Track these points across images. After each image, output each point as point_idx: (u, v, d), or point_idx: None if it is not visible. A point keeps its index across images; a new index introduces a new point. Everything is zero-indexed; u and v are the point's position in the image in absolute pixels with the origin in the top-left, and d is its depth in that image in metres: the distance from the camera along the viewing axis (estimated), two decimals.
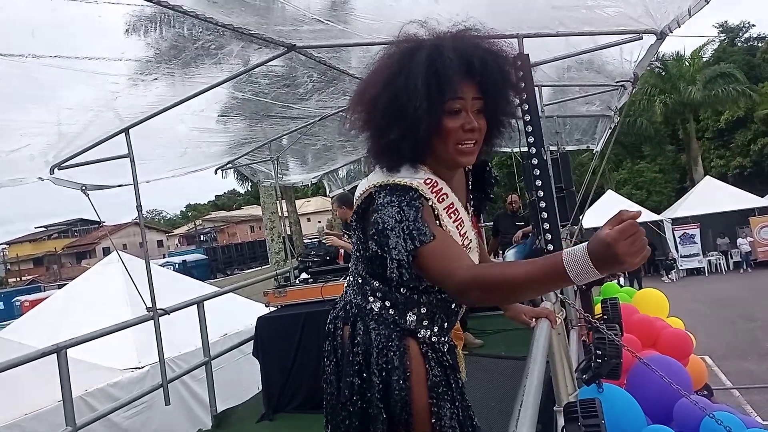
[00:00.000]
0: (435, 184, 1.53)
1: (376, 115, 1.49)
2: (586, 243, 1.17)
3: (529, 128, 3.08)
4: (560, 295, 2.53)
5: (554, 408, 2.33)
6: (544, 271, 1.21)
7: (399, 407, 1.53)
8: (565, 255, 1.17)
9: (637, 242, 1.11)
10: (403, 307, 1.59)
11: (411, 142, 1.47)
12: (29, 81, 2.67)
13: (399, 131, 1.46)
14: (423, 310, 1.59)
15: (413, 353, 1.57)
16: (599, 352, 2.60)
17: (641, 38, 3.06)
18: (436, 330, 1.62)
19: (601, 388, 3.00)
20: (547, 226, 3.10)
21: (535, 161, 3.11)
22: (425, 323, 1.60)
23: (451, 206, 1.57)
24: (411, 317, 1.59)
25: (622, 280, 18.06)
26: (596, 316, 3.72)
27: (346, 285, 1.75)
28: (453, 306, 1.65)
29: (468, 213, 1.68)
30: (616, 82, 4.08)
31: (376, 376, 1.53)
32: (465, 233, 1.59)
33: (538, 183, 3.11)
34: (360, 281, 1.65)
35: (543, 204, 3.11)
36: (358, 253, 1.65)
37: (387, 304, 1.59)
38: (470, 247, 1.62)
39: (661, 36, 2.98)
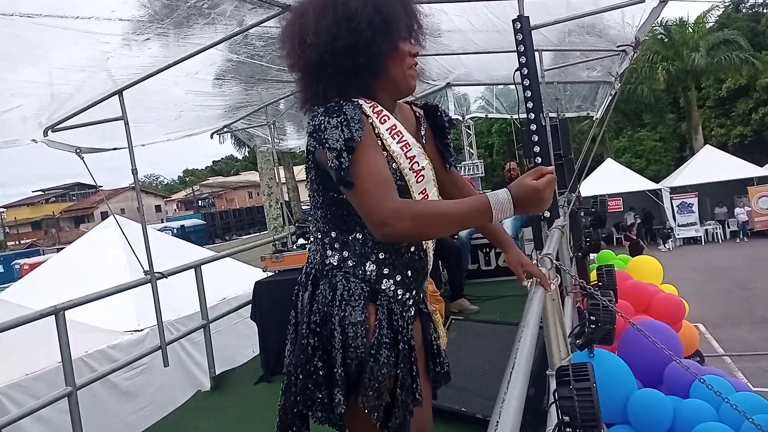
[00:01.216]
0: (375, 106, 1.53)
1: (351, 41, 1.45)
2: (508, 188, 1.36)
3: (528, 93, 3.04)
4: (556, 262, 2.52)
5: (547, 372, 2.35)
6: (474, 208, 1.36)
7: (355, 367, 1.46)
8: (491, 197, 1.34)
9: (551, 192, 1.36)
10: (360, 253, 1.52)
11: (371, 63, 1.48)
12: (19, 40, 2.62)
13: (379, 51, 1.47)
14: (381, 255, 1.52)
15: (370, 310, 1.50)
16: (593, 317, 2.61)
17: (644, 1, 3.00)
18: (399, 279, 1.55)
19: (592, 353, 3.03)
20: None
21: (533, 127, 3.08)
22: (386, 271, 1.53)
23: (394, 127, 1.54)
24: (371, 267, 1.52)
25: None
26: (591, 283, 3.74)
27: (307, 252, 1.70)
28: (412, 249, 1.57)
29: (422, 149, 1.62)
30: (618, 46, 4.02)
31: (336, 333, 1.47)
32: (413, 157, 1.55)
33: (537, 149, 3.08)
34: (319, 236, 1.59)
35: None
36: (314, 202, 1.59)
37: (345, 254, 1.53)
38: (423, 176, 1.56)
39: (664, 0, 2.92)
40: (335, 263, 1.53)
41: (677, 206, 22.62)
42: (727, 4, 35.06)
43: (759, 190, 21.84)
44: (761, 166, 22.97)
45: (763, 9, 36.54)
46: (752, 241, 21.18)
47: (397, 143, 1.52)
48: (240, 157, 59.31)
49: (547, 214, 3.25)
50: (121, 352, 5.72)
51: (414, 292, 1.60)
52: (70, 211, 51.97)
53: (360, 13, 1.44)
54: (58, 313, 3.33)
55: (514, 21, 2.91)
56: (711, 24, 31.03)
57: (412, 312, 1.60)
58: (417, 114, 1.71)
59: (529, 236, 6.46)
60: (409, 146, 1.55)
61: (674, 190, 23.03)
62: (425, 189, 1.58)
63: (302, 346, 1.51)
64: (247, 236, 31.89)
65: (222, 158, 76.99)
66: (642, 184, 23.73)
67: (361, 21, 1.44)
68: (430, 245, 1.64)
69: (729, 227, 22.90)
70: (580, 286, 3.40)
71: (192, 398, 4.52)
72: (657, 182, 24.60)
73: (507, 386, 1.21)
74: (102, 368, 5.23)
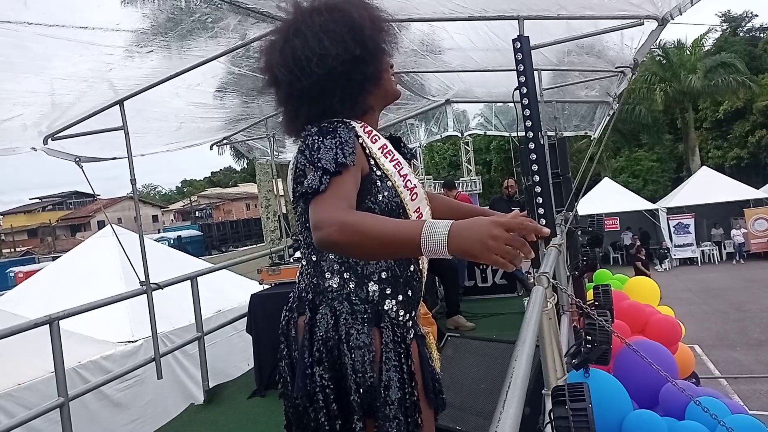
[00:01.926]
0: (365, 126, 1.54)
1: (348, 51, 1.45)
2: (455, 224, 1.16)
3: (527, 112, 3.06)
4: (553, 281, 2.53)
5: (543, 391, 2.34)
6: (403, 231, 1.19)
7: (364, 394, 1.42)
8: (427, 224, 1.16)
9: (514, 245, 1.11)
10: (361, 274, 1.48)
11: (375, 73, 1.53)
12: (22, 50, 2.63)
13: (355, 71, 1.48)
14: (383, 275, 1.49)
15: (375, 333, 1.46)
16: (589, 337, 2.61)
17: (642, 24, 3.03)
18: (400, 300, 1.51)
19: (587, 372, 3.02)
20: (541, 211, 3.09)
21: (532, 146, 3.09)
22: (388, 291, 1.49)
23: (386, 146, 1.54)
24: (373, 287, 1.48)
25: None
26: (588, 302, 3.74)
27: (298, 275, 1.62)
28: (411, 267, 1.54)
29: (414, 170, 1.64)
30: (616, 68, 4.06)
31: (348, 358, 1.42)
32: (406, 175, 1.54)
33: (534, 168, 3.09)
34: (313, 258, 1.53)
35: (538, 189, 3.10)
36: (305, 222, 1.47)
37: (346, 276, 1.48)
38: (417, 194, 1.55)
39: (663, 22, 2.95)
40: (335, 285, 1.49)
41: (674, 227, 22.68)
42: (724, 27, 35.48)
43: (755, 212, 21.93)
44: (758, 188, 23.10)
45: (760, 33, 36.99)
46: (748, 263, 21.22)
47: (390, 162, 1.52)
48: (238, 168, 59.51)
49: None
50: (114, 363, 5.68)
51: (413, 313, 1.57)
52: (67, 220, 51.86)
53: (362, 26, 1.47)
54: (52, 322, 3.31)
55: (514, 41, 2.94)
56: (709, 47, 31.38)
57: (411, 334, 1.56)
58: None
59: None
60: (401, 164, 1.55)
61: (671, 211, 23.11)
62: (419, 207, 1.57)
63: (307, 377, 1.44)
64: (244, 248, 31.81)
65: (220, 169, 77.18)
66: (639, 204, 23.81)
67: (365, 34, 1.47)
68: (425, 266, 1.61)
69: (725, 249, 22.96)
70: (577, 305, 3.40)
71: (185, 411, 4.48)
72: (654, 202, 24.70)
73: (503, 405, 1.20)
74: (95, 379, 5.19)
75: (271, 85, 1.57)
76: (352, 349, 1.43)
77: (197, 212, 53.55)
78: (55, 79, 3.01)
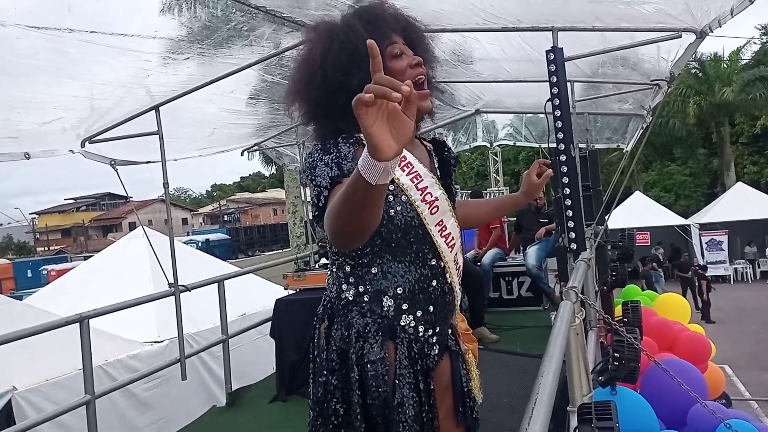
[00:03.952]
0: None
1: (328, 89, 1.45)
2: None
3: (559, 124, 3.04)
4: (581, 295, 2.49)
5: (568, 408, 2.30)
6: (351, 179, 1.11)
7: (377, 408, 1.40)
8: (360, 166, 1.06)
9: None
10: (377, 288, 1.46)
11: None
12: (64, 55, 2.71)
13: (357, 87, 1.36)
14: (399, 291, 1.46)
15: (389, 347, 1.44)
16: (617, 354, 2.56)
17: (680, 36, 2.98)
18: (419, 315, 1.47)
19: (614, 390, 2.97)
20: (571, 224, 3.06)
21: (563, 158, 3.07)
22: (405, 307, 1.46)
23: (404, 158, 1.50)
24: (388, 302, 1.45)
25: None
26: (616, 318, 3.67)
27: (326, 282, 1.62)
28: (434, 283, 1.49)
29: (436, 179, 1.56)
30: (651, 80, 3.99)
31: (354, 372, 1.41)
32: (425, 188, 1.50)
33: (565, 180, 3.07)
34: (335, 269, 1.54)
35: (569, 202, 3.07)
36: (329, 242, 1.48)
37: (360, 289, 1.47)
38: (438, 206, 1.51)
39: (701, 35, 2.90)
40: (351, 298, 1.48)
41: (706, 243, 22.15)
42: (764, 40, 34.69)
43: None
44: None
45: None
46: None
47: (406, 175, 1.49)
48: (267, 174, 60.21)
49: (574, 245, 3.22)
50: (140, 362, 5.77)
51: (438, 329, 1.52)
52: (100, 220, 53.07)
53: (324, 59, 1.46)
54: (82, 321, 3.39)
55: (547, 52, 2.93)
56: (747, 60, 30.69)
57: (436, 350, 1.52)
58: (427, 147, 1.68)
59: (553, 266, 6.40)
60: (420, 177, 1.51)
61: (704, 227, 22.57)
62: (442, 220, 1.53)
63: (321, 384, 1.47)
64: (271, 252, 32.11)
65: (249, 174, 78.11)
66: (670, 219, 23.33)
67: (327, 65, 1.45)
68: (455, 279, 1.56)
69: (759, 267, 22.33)
70: (605, 321, 3.34)
71: (207, 413, 4.53)
72: (686, 218, 24.16)
73: (528, 422, 1.19)
74: (121, 377, 5.29)
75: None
76: (365, 363, 1.42)
77: (226, 216, 54.26)
78: (95, 84, 3.09)
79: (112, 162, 4.15)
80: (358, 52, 1.42)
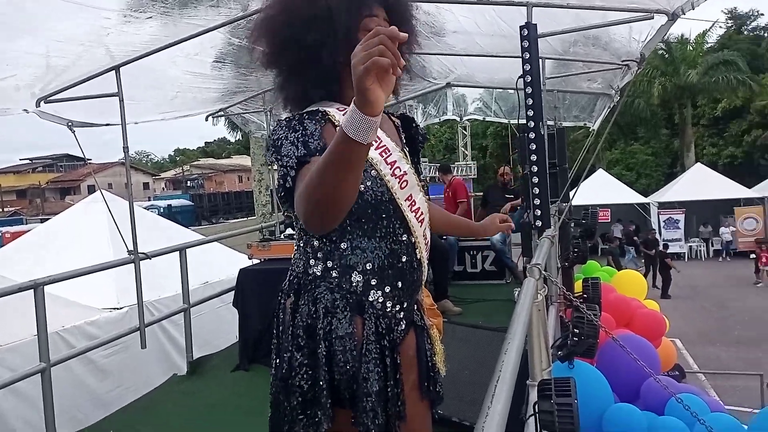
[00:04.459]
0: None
1: (287, 35, 1.42)
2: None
3: (530, 101, 3.03)
4: (544, 272, 2.52)
5: (528, 382, 2.35)
6: (334, 142, 1.08)
7: (345, 382, 1.40)
8: (343, 127, 1.06)
9: (372, 46, 0.99)
10: (345, 264, 1.43)
11: (326, 61, 1.41)
12: (17, 10, 2.56)
13: (313, 44, 1.40)
14: (368, 266, 1.44)
15: (357, 322, 1.43)
16: (576, 330, 2.62)
17: (652, 18, 2.99)
18: (388, 291, 1.46)
19: (572, 364, 3.04)
20: (537, 201, 3.08)
21: (532, 135, 3.07)
22: (374, 282, 1.44)
23: None
24: (356, 277, 1.43)
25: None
26: (576, 294, 3.75)
27: (293, 257, 1.58)
28: (404, 258, 1.48)
29: (404, 155, 1.55)
30: (622, 61, 4.01)
31: (322, 347, 1.40)
32: (394, 162, 1.47)
33: (533, 158, 3.07)
34: (301, 244, 1.51)
35: (536, 180, 3.09)
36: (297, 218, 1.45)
37: (329, 264, 1.44)
38: (407, 181, 1.49)
39: (673, 17, 2.91)
40: (318, 273, 1.46)
41: (664, 221, 22.81)
42: (729, 25, 35.33)
43: (745, 212, 22.08)
44: (749, 188, 23.21)
45: (764, 32, 36.86)
46: (734, 261, 21.41)
47: (374, 149, 1.45)
48: (233, 140, 59.08)
49: (539, 222, 3.25)
50: (99, 329, 5.66)
51: (405, 304, 1.52)
52: (57, 182, 51.45)
53: (293, 4, 1.42)
54: (37, 287, 3.28)
55: (521, 27, 2.90)
56: (712, 44, 31.27)
57: (403, 325, 1.51)
58: (395, 123, 1.64)
59: (517, 240, 6.49)
60: (389, 151, 1.48)
61: (662, 206, 23.22)
62: (411, 195, 1.51)
63: (285, 360, 1.45)
64: (235, 220, 31.74)
65: (214, 140, 76.63)
66: (631, 196, 23.90)
67: (293, 13, 1.42)
68: (424, 254, 1.55)
69: (713, 246, 23.15)
70: (565, 297, 3.41)
71: (167, 381, 4.49)
72: (646, 196, 24.78)
73: (491, 400, 1.19)
74: (78, 344, 5.18)
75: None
76: (333, 339, 1.41)
77: (189, 182, 53.27)
78: (51, 41, 2.93)
79: (69, 123, 3.99)
80: (327, 10, 1.40)
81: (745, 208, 22.19)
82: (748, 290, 17.91)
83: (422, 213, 1.54)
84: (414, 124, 1.69)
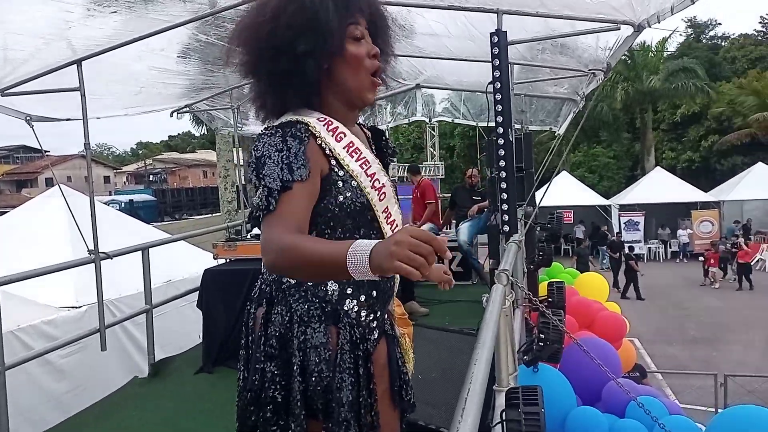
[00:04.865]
0: (330, 123, 1.44)
1: (273, 43, 1.38)
2: (369, 249, 1.11)
3: (499, 107, 3.06)
4: (511, 278, 2.55)
5: (494, 387, 2.36)
6: (331, 253, 1.15)
7: (319, 393, 1.38)
8: (353, 247, 1.11)
9: (418, 252, 1.05)
10: None
11: (311, 70, 1.39)
12: None
13: (302, 53, 1.37)
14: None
15: (332, 332, 1.42)
16: (542, 335, 2.65)
17: (619, 29, 3.05)
18: (363, 300, 1.46)
19: (536, 368, 3.08)
20: (505, 207, 3.11)
21: (501, 141, 3.10)
22: (349, 291, 1.44)
23: (352, 144, 1.45)
24: (332, 286, 1.43)
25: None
26: (541, 297, 3.80)
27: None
28: None
29: (383, 168, 1.55)
30: (589, 69, 4.09)
31: (296, 357, 1.38)
32: (374, 174, 1.47)
33: (502, 163, 3.10)
34: None
35: (504, 185, 3.11)
36: None
37: None
38: (385, 193, 1.48)
39: (638, 29, 2.98)
40: (293, 282, 1.44)
41: (624, 223, 23.40)
42: (689, 33, 36.37)
43: (702, 215, 22.81)
44: (706, 192, 23.98)
45: (721, 41, 38.09)
46: (690, 263, 22.07)
47: (355, 161, 1.45)
48: (197, 134, 58.16)
49: (506, 227, 3.28)
50: (56, 328, 5.49)
51: (378, 314, 1.52)
52: (13, 174, 49.74)
53: (276, 13, 1.38)
54: None
55: (491, 35, 2.92)
56: (672, 50, 32.15)
57: (376, 335, 1.51)
58: (367, 135, 1.64)
59: (483, 240, 6.55)
60: (369, 163, 1.48)
61: (623, 208, 23.81)
62: (387, 207, 1.50)
63: (257, 371, 1.41)
64: (199, 216, 31.24)
65: (179, 134, 75.32)
66: (593, 198, 24.42)
67: (278, 21, 1.37)
68: None
69: (670, 247, 23.84)
70: (530, 300, 3.45)
71: (128, 384, 4.39)
72: (607, 198, 25.36)
73: (461, 414, 1.20)
74: (35, 344, 5.02)
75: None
76: (307, 349, 1.39)
77: (151, 176, 52.18)
78: (9, 33, 2.82)
79: (28, 117, 3.86)
80: (317, 19, 1.37)
81: (702, 211, 22.92)
82: (703, 291, 18.51)
83: (397, 225, 1.54)
84: (384, 138, 1.68)
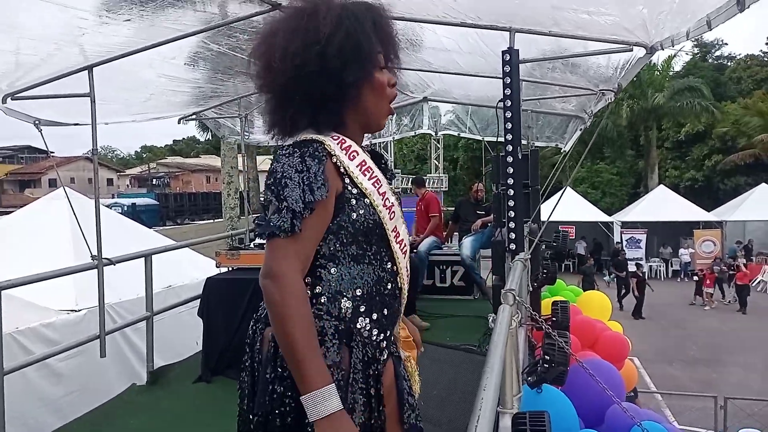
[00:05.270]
0: (343, 141, 1.46)
1: (322, 67, 1.38)
2: (338, 415, 1.26)
3: (509, 125, 3.05)
4: (518, 298, 2.53)
5: (498, 408, 2.34)
6: (310, 368, 1.27)
7: None
8: (320, 392, 1.26)
9: None
10: (335, 290, 1.42)
11: (351, 97, 1.44)
12: None
13: (349, 82, 1.40)
14: (358, 292, 1.42)
15: (344, 351, 1.41)
16: (548, 357, 2.63)
17: (632, 50, 3.04)
18: (375, 318, 1.45)
19: (540, 389, 3.05)
20: (512, 225, 3.09)
21: (509, 159, 3.09)
22: (362, 309, 1.43)
23: (364, 163, 1.47)
24: (346, 303, 1.42)
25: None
26: (544, 316, 3.78)
27: None
28: (389, 286, 1.48)
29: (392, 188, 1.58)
30: (599, 89, 4.08)
31: None
32: (385, 193, 1.48)
33: (510, 181, 3.09)
34: None
35: (511, 202, 3.10)
36: None
37: (317, 290, 1.41)
38: (394, 212, 1.50)
39: (651, 51, 2.97)
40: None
41: (626, 240, 23.32)
42: (695, 52, 36.49)
43: (704, 234, 22.75)
44: (708, 211, 23.93)
45: (727, 61, 38.20)
46: (692, 283, 21.98)
47: (368, 179, 1.46)
48: (202, 139, 58.26)
49: (513, 245, 3.27)
50: (55, 331, 5.45)
51: (388, 333, 1.51)
52: (17, 174, 49.83)
53: (329, 39, 1.38)
54: None
55: (503, 52, 2.91)
56: (678, 69, 32.22)
57: (385, 355, 1.50)
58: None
59: (485, 253, 6.52)
60: (380, 182, 1.49)
61: (625, 225, 23.76)
62: (396, 226, 1.51)
63: (266, 393, 1.38)
64: (202, 222, 31.20)
65: (183, 139, 75.51)
66: (595, 215, 24.39)
67: (330, 47, 1.38)
68: (405, 285, 1.54)
69: (672, 266, 23.76)
70: (535, 320, 3.42)
71: (126, 391, 4.36)
72: (609, 214, 25.31)
73: None
74: (34, 347, 4.99)
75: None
76: None
77: (155, 180, 52.26)
78: (23, 38, 2.83)
79: (37, 122, 3.86)
80: (361, 49, 1.40)
81: (704, 230, 22.87)
82: (704, 311, 18.43)
83: (405, 245, 1.54)
84: (383, 161, 1.67)
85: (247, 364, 1.49)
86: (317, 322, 1.40)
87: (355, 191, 1.43)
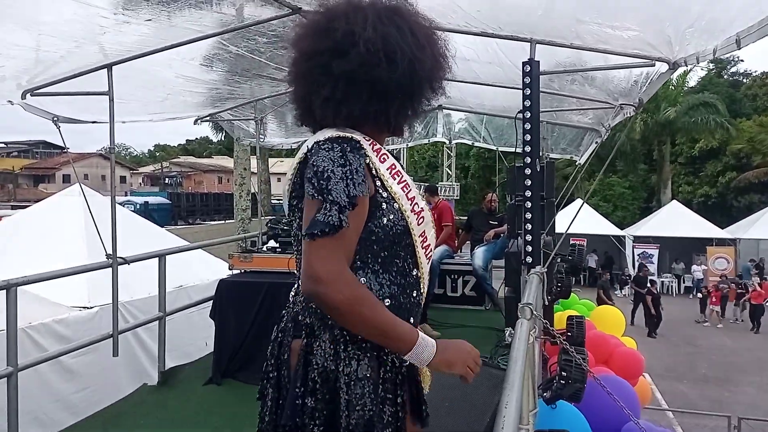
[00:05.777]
0: (374, 143, 1.45)
1: (423, 78, 1.42)
2: (439, 341, 1.39)
3: (528, 137, 3.02)
4: (535, 312, 2.49)
5: None
6: (400, 332, 1.34)
7: (361, 427, 1.33)
8: (422, 338, 1.35)
9: (476, 365, 1.48)
10: None
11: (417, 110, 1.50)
12: (12, 1, 2.47)
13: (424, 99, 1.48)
14: (387, 302, 1.39)
15: (374, 364, 1.39)
16: (564, 373, 2.59)
17: (654, 65, 3.00)
18: None
19: (554, 405, 3.01)
20: (529, 237, 3.06)
21: (527, 171, 3.06)
22: None
23: (394, 167, 1.46)
24: None
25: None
26: (559, 331, 3.73)
27: (292, 295, 1.52)
28: (414, 294, 1.46)
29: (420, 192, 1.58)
30: (620, 104, 4.04)
31: (342, 391, 1.34)
32: (414, 198, 1.46)
33: (528, 194, 3.06)
34: None
35: (529, 215, 3.06)
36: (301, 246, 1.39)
37: None
38: (423, 217, 1.48)
39: (674, 66, 2.93)
40: None
41: (638, 255, 23.12)
42: (711, 68, 36.26)
43: (717, 251, 22.50)
44: (722, 228, 23.68)
45: (743, 78, 37.93)
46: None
47: (397, 183, 1.44)
48: (215, 140, 58.61)
49: (529, 258, 3.23)
50: (67, 328, 5.46)
51: None
52: (31, 169, 50.34)
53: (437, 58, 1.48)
54: (10, 288, 3.15)
55: (524, 64, 2.89)
56: (693, 84, 32.01)
57: (407, 362, 1.46)
58: None
59: (498, 264, 6.47)
60: (409, 187, 1.47)
61: (637, 239, 23.56)
62: (424, 231, 1.49)
63: (296, 407, 1.36)
64: (213, 222, 31.30)
65: (196, 139, 76.06)
66: (606, 228, 24.20)
67: (426, 52, 1.44)
68: (425, 291, 1.52)
69: (684, 282, 23.51)
70: (551, 334, 3.38)
71: (137, 391, 4.35)
72: (621, 228, 25.11)
73: None
74: (46, 342, 5.00)
75: (336, 57, 1.36)
76: (353, 381, 1.35)
77: (167, 179, 52.58)
78: (43, 35, 2.84)
79: (55, 118, 3.87)
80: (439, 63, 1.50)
81: (718, 248, 22.61)
82: (715, 328, 18.21)
83: (431, 250, 1.53)
84: (400, 166, 1.66)
85: (271, 375, 1.46)
86: (349, 334, 1.38)
87: (385, 195, 1.41)
